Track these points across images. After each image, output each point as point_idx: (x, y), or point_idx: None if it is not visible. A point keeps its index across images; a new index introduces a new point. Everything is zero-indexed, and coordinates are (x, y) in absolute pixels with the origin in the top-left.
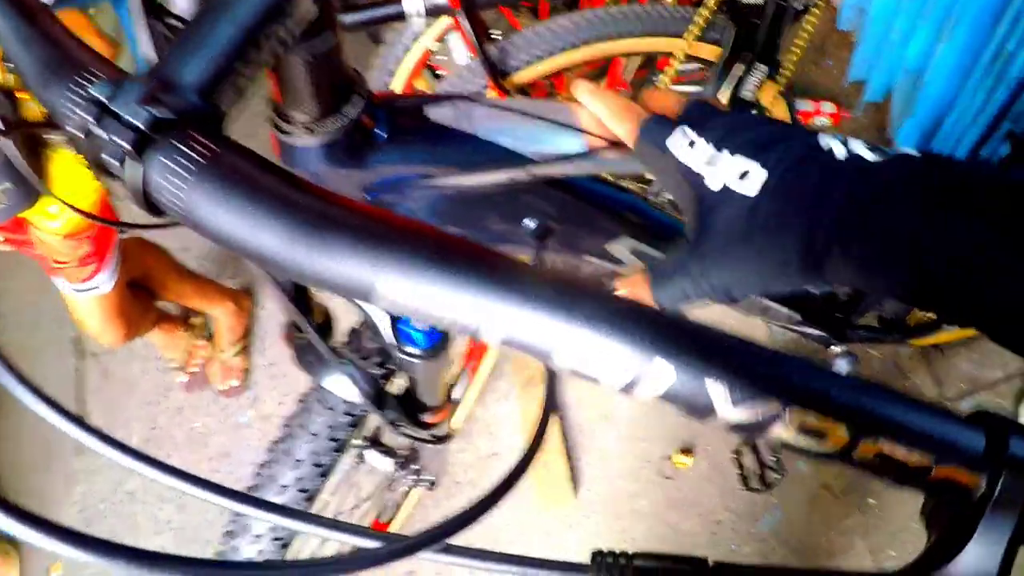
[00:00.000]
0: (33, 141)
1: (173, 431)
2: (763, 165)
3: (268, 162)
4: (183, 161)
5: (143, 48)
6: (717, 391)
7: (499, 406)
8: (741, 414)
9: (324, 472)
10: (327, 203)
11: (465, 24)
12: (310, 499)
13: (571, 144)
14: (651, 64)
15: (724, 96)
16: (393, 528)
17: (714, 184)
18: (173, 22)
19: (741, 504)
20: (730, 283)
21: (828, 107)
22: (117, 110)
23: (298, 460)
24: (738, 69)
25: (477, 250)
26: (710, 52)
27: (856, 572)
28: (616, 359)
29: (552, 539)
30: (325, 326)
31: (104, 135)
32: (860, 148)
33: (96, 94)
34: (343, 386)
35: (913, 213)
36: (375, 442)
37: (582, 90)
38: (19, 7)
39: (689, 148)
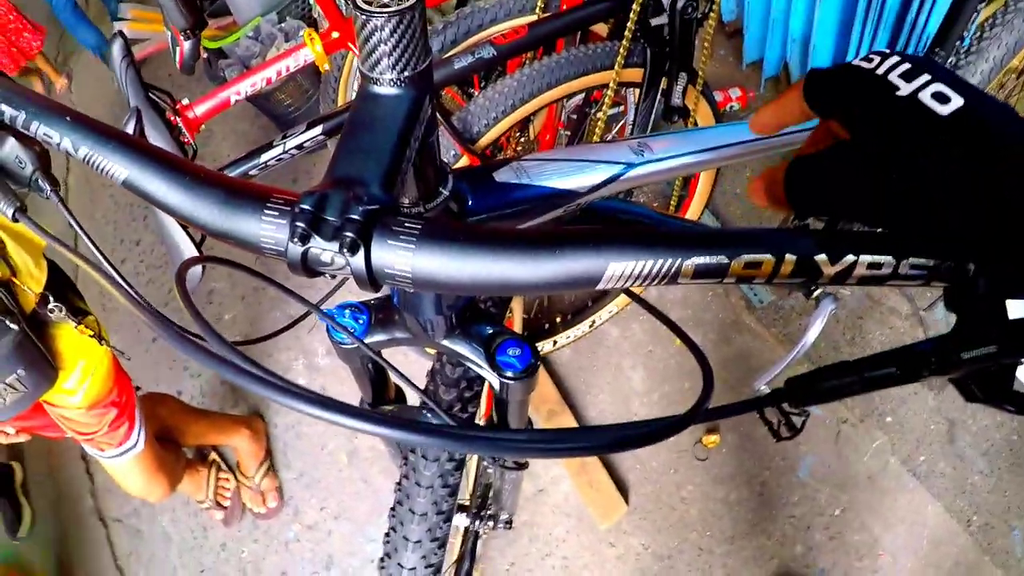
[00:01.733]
0: (34, 324)
1: (222, 568)
2: (962, 95)
3: (457, 222)
4: (404, 237)
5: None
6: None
7: None
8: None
9: (442, 543)
10: (530, 231)
11: None
12: (442, 546)
13: (604, 173)
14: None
15: (658, 108)
16: None
17: (904, 91)
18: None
19: (776, 461)
20: (883, 200)
21: (735, 92)
22: (329, 216)
23: (416, 542)
24: (663, 83)
25: (651, 227)
26: (635, 75)
27: (917, 342)
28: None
29: (618, 549)
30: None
31: (322, 239)
32: None
33: (307, 207)
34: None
35: None
36: None
37: (757, 122)
38: (178, 167)
39: (878, 62)
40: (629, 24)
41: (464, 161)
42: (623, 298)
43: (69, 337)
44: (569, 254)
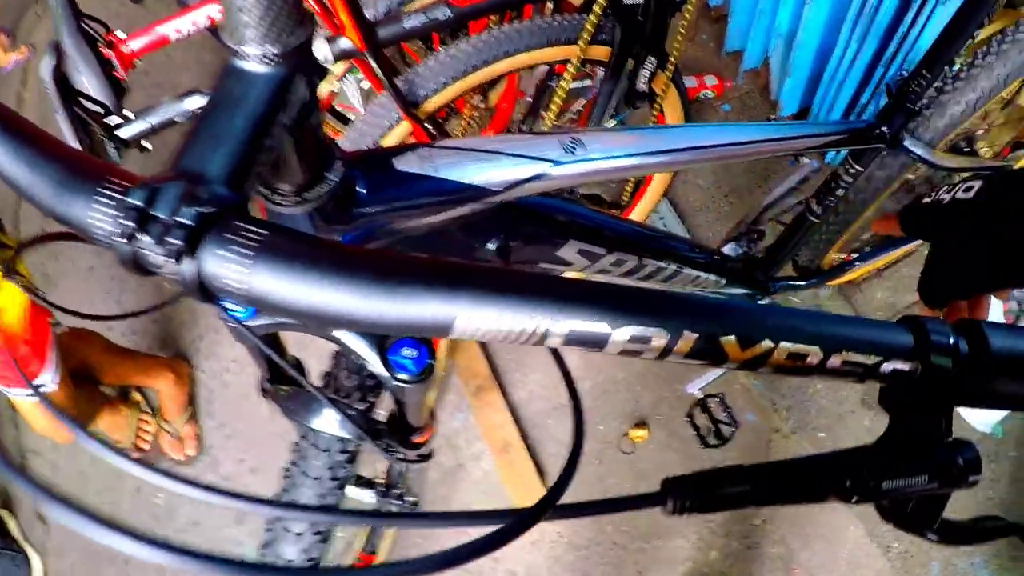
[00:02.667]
0: None
1: (137, 512)
2: (983, 179)
3: (307, 235)
4: (239, 248)
5: (65, 132)
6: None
7: (454, 419)
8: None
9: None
10: (384, 258)
11: (372, 64)
12: (325, 540)
13: (525, 170)
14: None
15: (623, 91)
16: (380, 558)
17: (946, 199)
18: (89, 105)
19: (702, 463)
20: (979, 273)
21: (711, 80)
22: (159, 214)
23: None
24: (630, 64)
25: (521, 274)
26: (602, 53)
27: (835, 452)
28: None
29: (533, 534)
30: (300, 374)
31: (150, 239)
32: None
33: (135, 201)
34: (336, 425)
35: None
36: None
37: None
38: (19, 133)
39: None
40: None
41: (405, 126)
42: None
43: None
44: (411, 295)
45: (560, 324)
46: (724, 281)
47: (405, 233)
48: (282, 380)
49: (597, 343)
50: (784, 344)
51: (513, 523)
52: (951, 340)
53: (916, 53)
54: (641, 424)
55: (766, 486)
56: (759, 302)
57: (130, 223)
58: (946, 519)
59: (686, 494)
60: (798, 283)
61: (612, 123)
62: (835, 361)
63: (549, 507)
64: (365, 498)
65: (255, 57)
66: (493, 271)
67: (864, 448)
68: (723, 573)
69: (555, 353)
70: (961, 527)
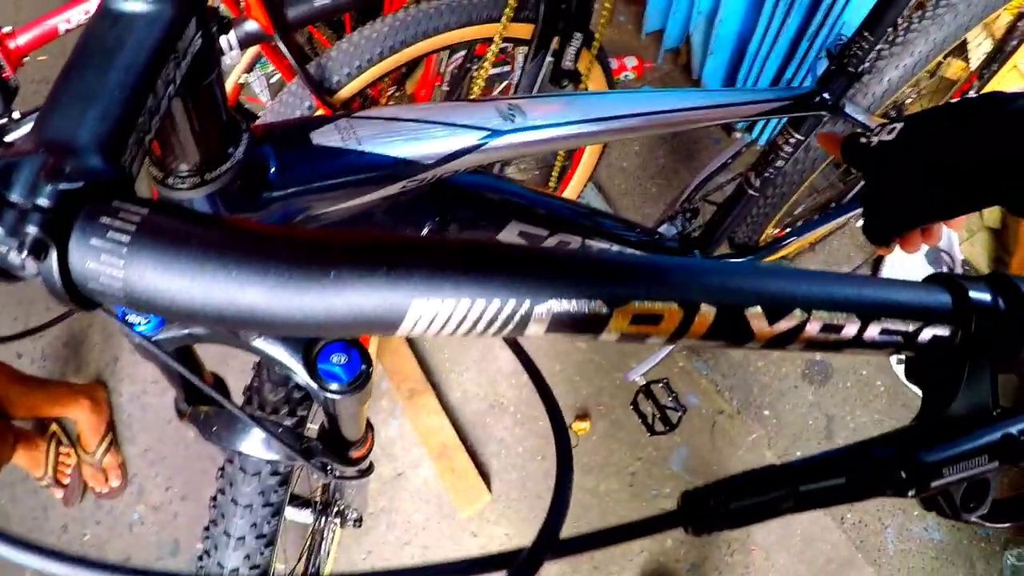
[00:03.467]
0: None
1: (66, 549)
2: (904, 120)
3: (198, 212)
4: (113, 235)
5: None
6: None
7: (387, 427)
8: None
9: (270, 541)
10: (305, 238)
11: (282, 48)
12: (265, 574)
13: (460, 141)
14: (468, 52)
15: (547, 71)
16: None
17: (873, 141)
18: None
19: (648, 451)
20: (910, 208)
21: (631, 61)
22: (13, 197)
23: (239, 538)
24: (554, 43)
25: (490, 245)
26: (524, 31)
27: (877, 437)
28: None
29: (481, 539)
30: (221, 391)
31: (1, 231)
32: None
33: None
34: (264, 446)
35: None
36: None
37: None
38: None
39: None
40: None
41: (319, 114)
42: None
43: None
44: (346, 282)
45: (544, 306)
46: None
47: (324, 219)
48: (201, 400)
49: (593, 326)
50: (818, 313)
51: (515, 570)
52: (990, 298)
53: (840, 25)
54: (583, 416)
55: (808, 487)
56: None
57: None
58: (996, 499)
59: (712, 509)
60: (735, 260)
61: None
62: (873, 331)
63: (549, 547)
64: (302, 519)
65: None
66: (453, 244)
67: (909, 429)
68: (679, 561)
69: (518, 349)
70: (1011, 506)
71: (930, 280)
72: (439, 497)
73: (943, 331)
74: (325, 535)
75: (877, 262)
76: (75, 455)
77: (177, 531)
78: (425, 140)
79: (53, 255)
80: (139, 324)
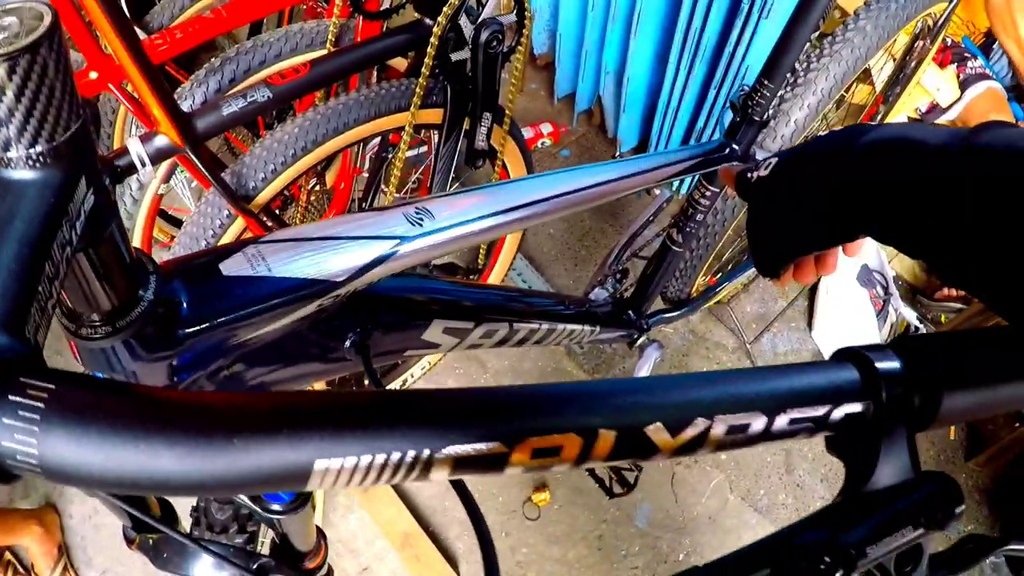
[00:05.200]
0: None
1: None
2: (778, 155)
3: (107, 381)
4: (24, 414)
5: None
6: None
7: (346, 521)
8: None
9: None
10: (213, 403)
11: (192, 159)
12: None
13: (369, 253)
14: (383, 140)
15: (461, 151)
16: None
17: (753, 177)
18: None
19: (612, 512)
20: (790, 238)
21: (546, 128)
22: None
23: None
24: (465, 123)
25: (385, 394)
26: (434, 116)
27: (795, 524)
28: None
29: None
30: (168, 515)
31: None
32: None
33: None
34: (216, 570)
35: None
36: None
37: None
38: None
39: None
40: (427, 60)
41: (239, 223)
42: (438, 355)
43: None
44: (253, 447)
45: (444, 452)
46: (598, 329)
47: (248, 347)
48: (148, 527)
49: (495, 464)
50: (721, 418)
51: None
52: (899, 365)
53: (744, 71)
54: (541, 487)
55: None
56: (638, 341)
57: None
58: (931, 555)
59: None
60: (670, 314)
61: (455, 187)
62: (781, 422)
63: None
64: None
65: (18, 161)
66: (350, 398)
67: (829, 510)
68: None
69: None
70: (948, 559)
71: (836, 357)
72: None
73: (855, 407)
74: None
75: (812, 291)
76: None
77: None
78: (333, 256)
79: None
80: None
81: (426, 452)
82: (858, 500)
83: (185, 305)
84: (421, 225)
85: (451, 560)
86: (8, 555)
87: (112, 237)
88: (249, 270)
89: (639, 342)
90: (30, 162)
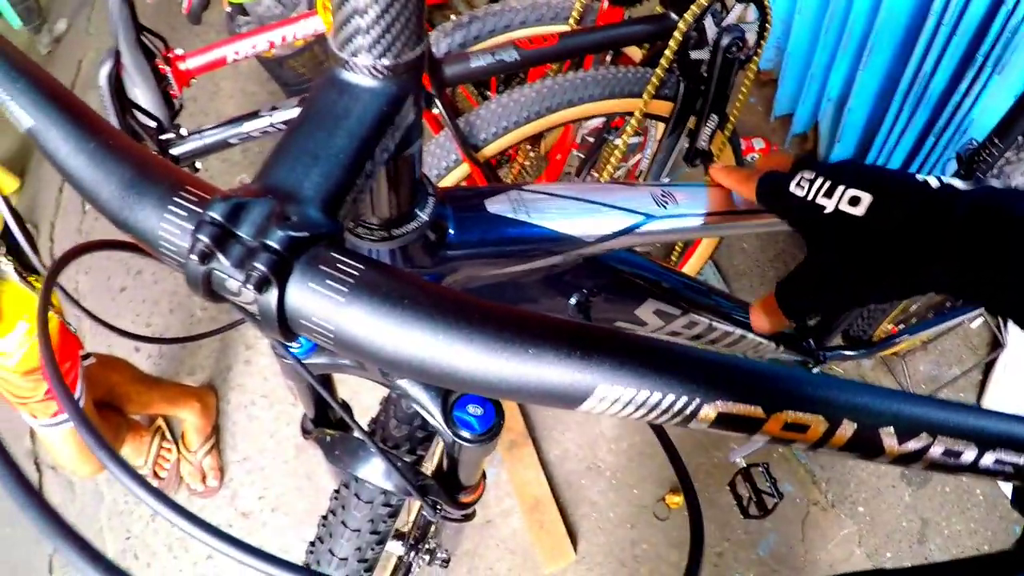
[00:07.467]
0: None
1: (149, 539)
2: (869, 191)
3: (413, 275)
4: (332, 283)
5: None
6: None
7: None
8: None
9: (370, 567)
10: (514, 314)
11: (438, 104)
12: (370, 570)
13: (618, 222)
14: (606, 123)
15: (681, 148)
16: None
17: (829, 208)
18: (143, 118)
19: (738, 533)
20: (849, 292)
21: (759, 143)
22: (242, 233)
23: (342, 559)
24: (691, 122)
25: (672, 345)
26: (664, 108)
27: (963, 559)
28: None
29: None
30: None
31: (228, 262)
32: (951, 180)
33: (215, 215)
34: (382, 476)
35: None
36: None
37: (717, 173)
38: (88, 126)
39: (807, 186)
40: (667, 52)
41: (463, 169)
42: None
43: (13, 294)
44: (547, 359)
45: (712, 405)
46: (781, 348)
47: (482, 280)
48: (327, 423)
49: (749, 426)
50: (942, 439)
51: None
52: None
53: (969, 124)
54: (678, 490)
55: None
56: (813, 371)
57: (207, 240)
58: None
59: None
60: (848, 352)
61: (666, 180)
62: (988, 459)
63: None
64: (392, 548)
65: (365, 68)
66: (640, 340)
67: (1005, 555)
68: None
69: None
70: None
71: None
72: (525, 550)
73: None
74: (412, 569)
75: (988, 366)
76: (176, 451)
77: (263, 540)
78: (588, 218)
79: (274, 292)
80: (291, 346)
81: (696, 401)
82: None
83: (452, 230)
84: (665, 208)
85: (572, 535)
86: (160, 422)
87: (412, 156)
88: (511, 212)
89: (813, 371)
90: (375, 71)
